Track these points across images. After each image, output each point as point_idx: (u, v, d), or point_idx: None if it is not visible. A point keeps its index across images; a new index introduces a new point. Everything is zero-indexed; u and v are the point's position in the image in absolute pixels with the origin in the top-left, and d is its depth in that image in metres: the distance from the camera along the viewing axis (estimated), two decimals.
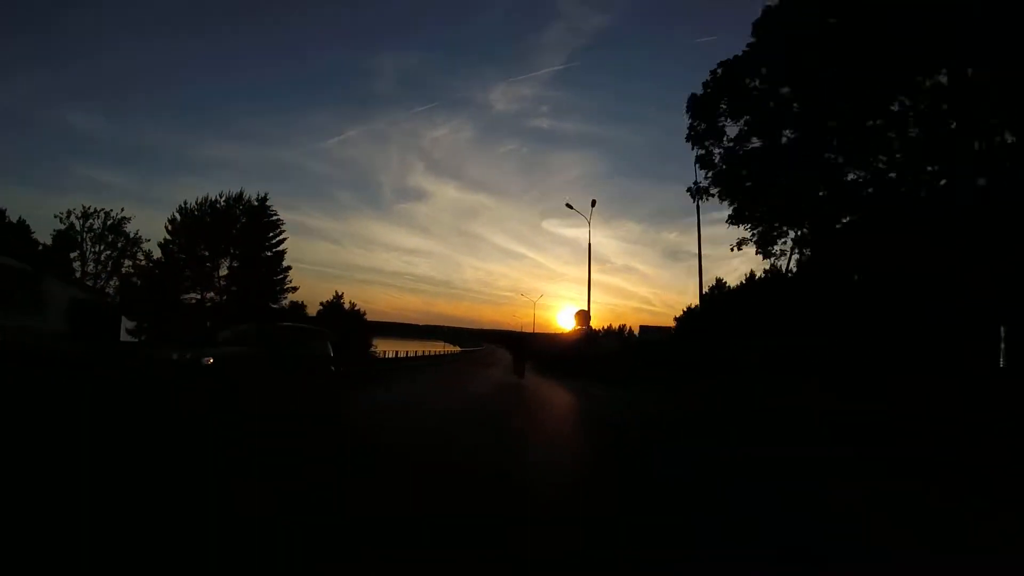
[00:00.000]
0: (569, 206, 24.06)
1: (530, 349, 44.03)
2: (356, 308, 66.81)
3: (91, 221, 33.58)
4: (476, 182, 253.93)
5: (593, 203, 23.27)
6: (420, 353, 60.00)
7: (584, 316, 22.46)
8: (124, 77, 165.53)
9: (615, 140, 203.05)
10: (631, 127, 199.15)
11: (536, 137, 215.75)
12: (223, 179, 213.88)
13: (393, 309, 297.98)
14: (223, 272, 32.58)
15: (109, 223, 33.72)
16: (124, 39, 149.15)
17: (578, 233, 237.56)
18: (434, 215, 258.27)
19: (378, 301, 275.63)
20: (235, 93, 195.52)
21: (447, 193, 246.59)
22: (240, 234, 32.31)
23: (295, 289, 33.50)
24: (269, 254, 32.87)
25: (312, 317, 63.46)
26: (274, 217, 32.96)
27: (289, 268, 33.53)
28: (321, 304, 64.89)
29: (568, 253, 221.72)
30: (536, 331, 66.52)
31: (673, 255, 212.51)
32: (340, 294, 65.56)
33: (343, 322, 62.99)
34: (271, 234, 33.03)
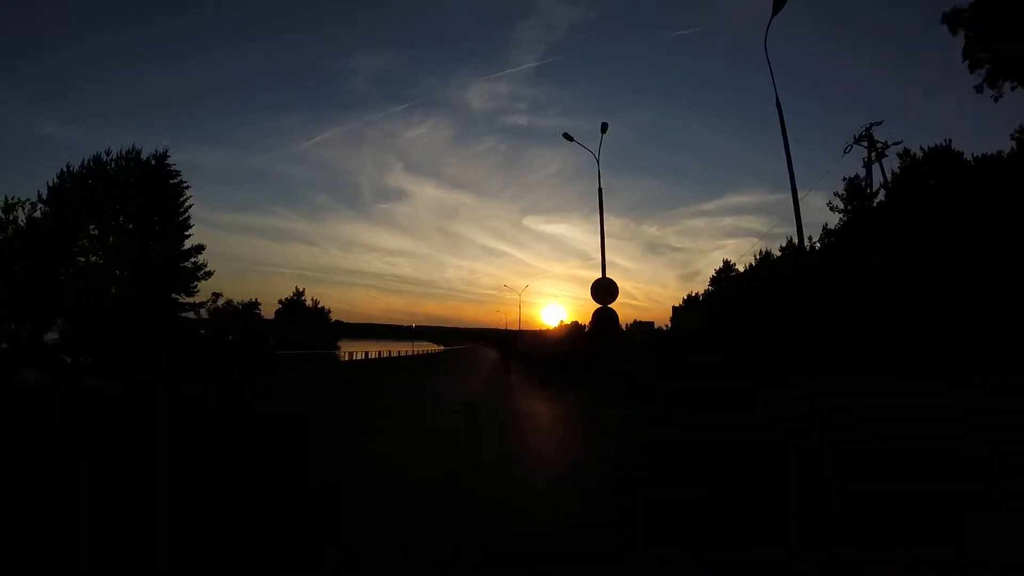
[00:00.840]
0: (568, 136, 16.58)
1: (518, 349, 37.48)
2: (320, 307, 58.86)
3: None
4: (455, 181, 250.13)
5: (604, 128, 15.64)
6: (398, 354, 52.71)
7: (604, 288, 13.75)
8: (97, 87, 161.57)
9: (594, 134, 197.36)
10: (609, 120, 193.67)
11: (514, 134, 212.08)
12: (202, 187, 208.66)
13: (377, 311, 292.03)
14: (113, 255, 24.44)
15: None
16: (97, 49, 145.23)
17: (558, 229, 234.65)
18: (414, 215, 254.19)
19: (361, 303, 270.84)
20: (210, 99, 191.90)
21: (427, 193, 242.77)
22: (133, 203, 24.23)
23: (210, 275, 25.41)
24: (174, 223, 24.66)
25: (267, 320, 55.26)
26: (176, 179, 24.85)
27: (201, 248, 25.46)
28: (280, 302, 56.95)
29: (549, 249, 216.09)
30: (521, 328, 59.43)
31: (653, 248, 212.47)
32: (301, 291, 57.57)
33: (305, 322, 55.03)
34: (177, 201, 24.90)
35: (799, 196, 10.82)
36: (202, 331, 26.73)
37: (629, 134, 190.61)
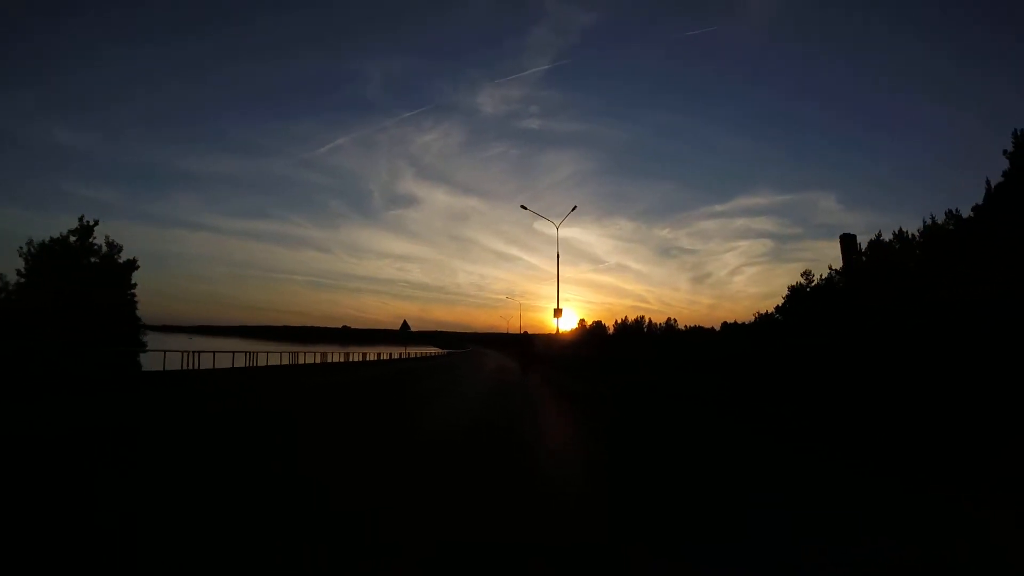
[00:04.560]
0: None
1: (534, 352, 25.53)
2: (129, 259, 29.68)
3: None
4: (466, 186, 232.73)
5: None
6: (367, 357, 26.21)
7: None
8: (112, 94, 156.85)
9: (605, 138, 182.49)
10: (621, 124, 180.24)
11: (526, 138, 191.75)
12: (216, 193, 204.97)
13: (388, 316, 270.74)
14: None
15: None
16: (113, 56, 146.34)
17: (569, 233, 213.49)
18: (425, 220, 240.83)
19: (372, 309, 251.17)
20: (225, 107, 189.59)
21: (438, 198, 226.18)
22: None
23: None
24: None
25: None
26: None
27: None
28: (30, 249, 28.28)
29: (561, 253, 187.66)
30: (529, 332, 37.22)
31: (665, 252, 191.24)
32: (89, 223, 28.72)
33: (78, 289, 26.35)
34: None
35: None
36: None
37: (641, 138, 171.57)
